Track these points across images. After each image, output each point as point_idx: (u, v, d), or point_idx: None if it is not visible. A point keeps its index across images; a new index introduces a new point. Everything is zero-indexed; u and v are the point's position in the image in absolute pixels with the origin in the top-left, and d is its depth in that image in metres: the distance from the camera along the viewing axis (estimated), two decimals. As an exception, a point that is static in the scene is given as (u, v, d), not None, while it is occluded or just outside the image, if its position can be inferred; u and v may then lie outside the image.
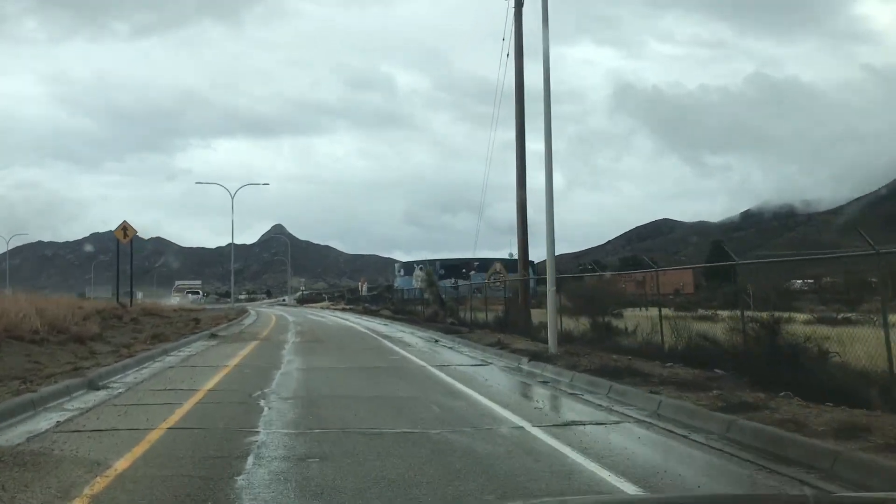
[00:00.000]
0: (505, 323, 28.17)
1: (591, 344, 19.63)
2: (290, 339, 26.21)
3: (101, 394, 12.18)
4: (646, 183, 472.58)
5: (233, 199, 69.15)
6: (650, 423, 9.74)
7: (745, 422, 8.64)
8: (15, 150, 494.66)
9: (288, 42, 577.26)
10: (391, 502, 6.20)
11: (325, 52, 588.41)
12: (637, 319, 24.29)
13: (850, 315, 14.56)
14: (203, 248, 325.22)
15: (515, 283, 31.13)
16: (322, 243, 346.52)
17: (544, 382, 14.19)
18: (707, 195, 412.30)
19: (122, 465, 7.24)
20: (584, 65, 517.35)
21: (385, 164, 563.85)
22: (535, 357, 16.79)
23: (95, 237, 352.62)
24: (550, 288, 17.73)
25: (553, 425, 9.56)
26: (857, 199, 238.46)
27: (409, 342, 25.30)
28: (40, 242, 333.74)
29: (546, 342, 21.90)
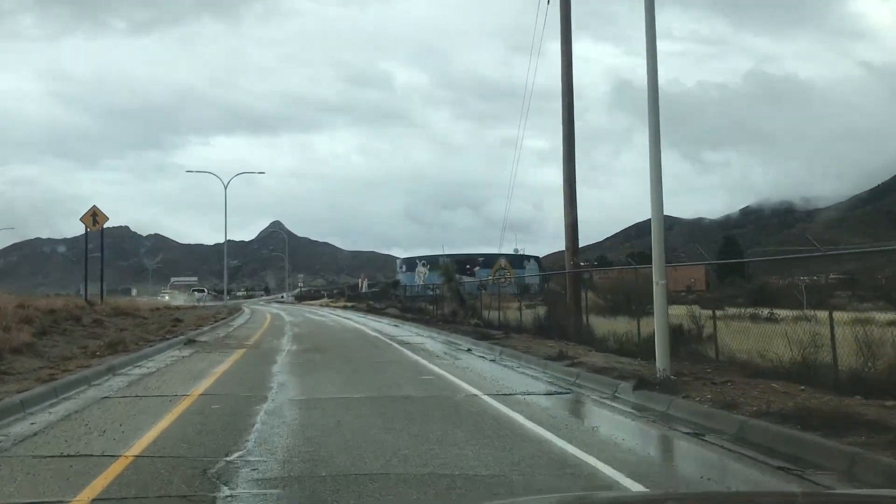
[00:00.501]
0: (548, 326, 22.62)
1: (690, 360, 14.14)
2: (284, 347, 20.61)
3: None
4: (644, 180, 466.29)
5: (226, 188, 63.68)
6: None
7: None
8: (12, 147, 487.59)
9: (287, 39, 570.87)
10: None
11: (323, 49, 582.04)
12: (683, 320, 19.31)
13: None
14: (201, 245, 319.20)
15: (547, 280, 25.65)
16: (321, 240, 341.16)
17: (697, 436, 8.47)
18: (706, 192, 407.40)
19: None
20: (582, 61, 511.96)
21: (384, 161, 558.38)
22: (642, 383, 11.16)
23: (93, 234, 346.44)
24: (659, 281, 12.13)
25: None
26: (857, 196, 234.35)
27: (435, 351, 19.71)
28: (38, 239, 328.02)
29: (617, 353, 16.42)
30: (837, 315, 11.33)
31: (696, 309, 20.91)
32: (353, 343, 22.51)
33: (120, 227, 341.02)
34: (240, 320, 38.60)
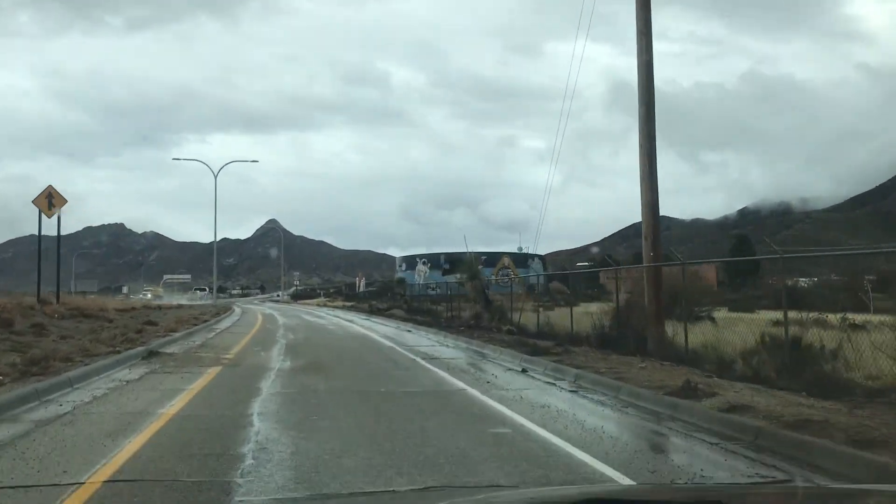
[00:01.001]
0: (615, 337, 17.20)
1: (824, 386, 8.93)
2: (273, 364, 15.10)
3: None
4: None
5: (216, 178, 58.23)
6: None
7: None
8: (8, 144, 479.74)
9: (283, 37, 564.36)
10: None
11: (321, 48, 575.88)
12: (745, 325, 15.40)
13: None
14: (197, 243, 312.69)
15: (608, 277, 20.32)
16: (316, 238, 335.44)
17: None
18: (703, 192, 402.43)
19: None
20: (580, 61, 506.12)
21: (381, 160, 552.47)
22: None
23: (89, 231, 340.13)
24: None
25: None
26: (855, 197, 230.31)
27: (479, 372, 14.26)
28: (33, 236, 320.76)
29: (751, 380, 11.04)
30: None
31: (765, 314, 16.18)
32: (365, 358, 16.98)
33: (116, 225, 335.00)
34: (226, 322, 33.04)
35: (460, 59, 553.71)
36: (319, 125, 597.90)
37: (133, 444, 7.31)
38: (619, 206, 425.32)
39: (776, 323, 14.22)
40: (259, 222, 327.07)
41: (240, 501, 5.49)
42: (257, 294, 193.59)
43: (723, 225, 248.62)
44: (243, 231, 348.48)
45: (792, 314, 12.27)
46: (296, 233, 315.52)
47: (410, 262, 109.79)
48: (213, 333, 24.58)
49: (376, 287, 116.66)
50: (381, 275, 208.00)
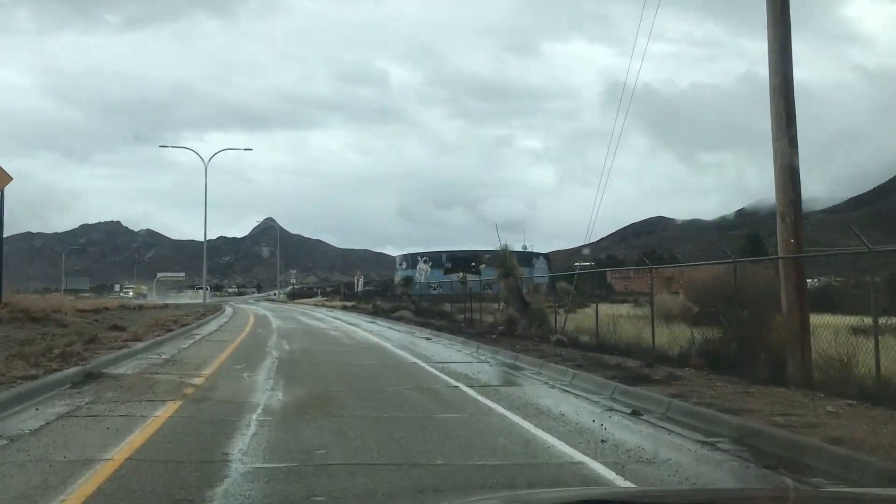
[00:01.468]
0: (737, 358, 12.28)
1: None
2: (257, 399, 10.03)
3: None
4: (639, 180, 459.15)
5: (206, 167, 53.22)
6: None
7: None
8: (4, 140, 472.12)
9: (281, 36, 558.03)
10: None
11: (318, 47, 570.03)
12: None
13: None
14: (193, 241, 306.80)
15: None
16: (313, 237, 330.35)
17: None
18: (701, 193, 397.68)
19: None
20: (576, 61, 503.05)
21: (378, 159, 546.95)
22: None
23: (85, 228, 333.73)
24: None
25: None
26: (853, 199, 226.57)
27: (568, 415, 9.27)
28: (29, 233, 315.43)
29: None
30: None
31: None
32: (388, 384, 11.88)
33: (112, 222, 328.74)
34: (211, 326, 27.96)
35: (457, 59, 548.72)
36: (317, 124, 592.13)
37: None
38: (617, 207, 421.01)
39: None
40: (256, 221, 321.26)
41: None
42: (253, 293, 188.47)
43: (720, 225, 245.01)
44: (240, 229, 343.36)
45: None
46: (293, 231, 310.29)
47: (411, 260, 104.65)
48: (190, 342, 19.52)
49: (374, 286, 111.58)
50: (378, 274, 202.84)
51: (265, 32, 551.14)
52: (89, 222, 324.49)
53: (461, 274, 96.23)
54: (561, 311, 21.25)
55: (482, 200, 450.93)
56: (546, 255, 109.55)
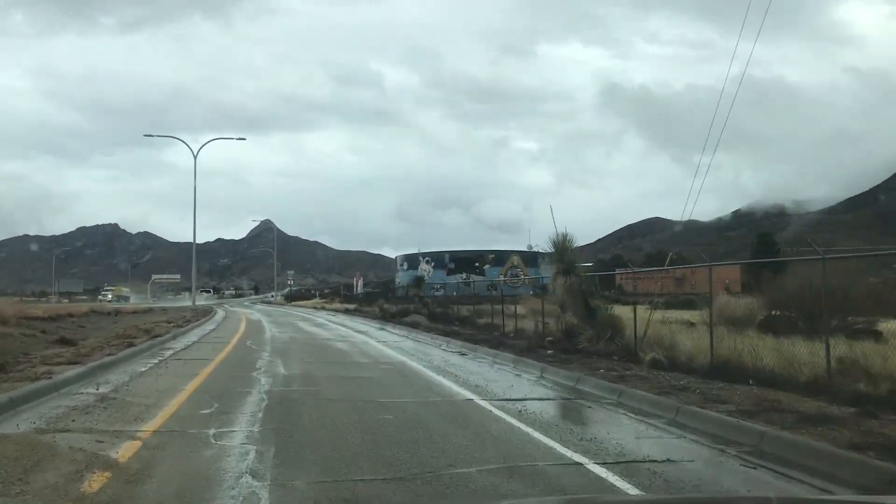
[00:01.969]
0: None
1: None
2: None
3: None
4: (635, 181, 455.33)
5: (195, 158, 48.04)
6: None
7: None
8: (0, 143, 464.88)
9: (277, 38, 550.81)
10: None
11: (314, 49, 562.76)
12: None
13: None
14: (191, 244, 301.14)
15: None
16: (311, 239, 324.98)
17: None
18: (697, 194, 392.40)
19: None
20: (571, 64, 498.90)
21: (375, 161, 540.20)
22: None
23: (83, 231, 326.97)
24: None
25: None
26: (849, 199, 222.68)
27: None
28: (26, 236, 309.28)
29: None
30: None
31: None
32: (457, 461, 6.66)
33: (109, 225, 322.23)
34: (190, 337, 22.65)
35: (454, 61, 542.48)
36: (313, 126, 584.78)
37: None
38: (613, 208, 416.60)
39: None
40: (253, 221, 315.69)
41: None
42: (250, 295, 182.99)
43: (717, 227, 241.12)
44: (237, 231, 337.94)
45: None
46: (290, 233, 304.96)
47: (412, 260, 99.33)
48: (152, 364, 14.23)
49: (371, 287, 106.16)
50: (375, 275, 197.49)
51: (261, 35, 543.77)
52: (86, 225, 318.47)
53: (464, 274, 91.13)
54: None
55: (479, 202, 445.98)
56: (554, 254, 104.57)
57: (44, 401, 9.29)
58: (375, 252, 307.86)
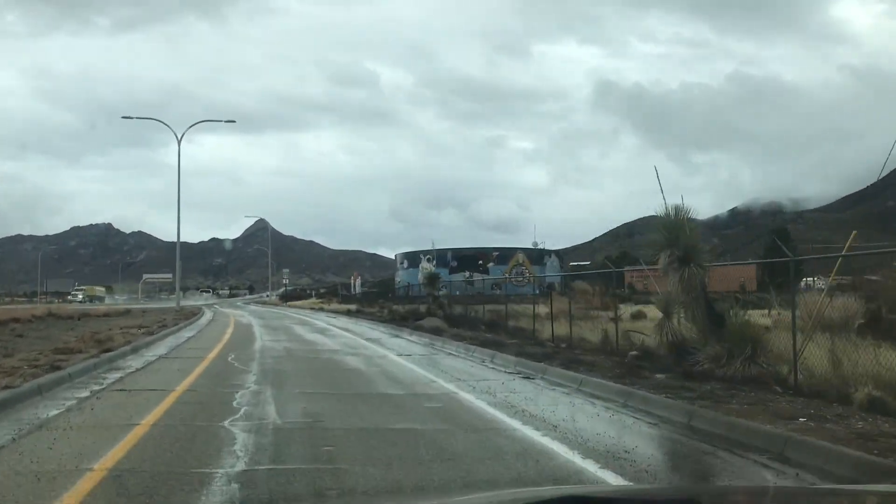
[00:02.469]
0: None
1: None
2: None
3: None
4: (630, 180, 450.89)
5: (179, 142, 42.92)
6: None
7: None
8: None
9: (272, 38, 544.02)
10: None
11: (309, 48, 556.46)
12: None
13: None
14: (186, 243, 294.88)
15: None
16: (306, 238, 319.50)
17: None
18: (693, 193, 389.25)
19: None
20: (567, 62, 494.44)
21: (370, 160, 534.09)
22: None
23: (77, 231, 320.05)
24: None
25: None
26: (846, 198, 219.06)
27: None
28: (20, 236, 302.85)
29: None
30: None
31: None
32: None
33: (103, 225, 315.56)
34: (154, 351, 17.37)
35: (448, 60, 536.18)
36: (308, 125, 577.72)
37: None
38: (609, 207, 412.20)
39: None
40: (248, 222, 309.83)
41: None
42: (245, 294, 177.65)
43: (713, 225, 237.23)
44: (232, 231, 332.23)
45: None
46: (286, 233, 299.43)
47: (412, 258, 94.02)
48: (63, 407, 9.03)
49: (369, 287, 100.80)
50: (372, 275, 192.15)
51: (255, 35, 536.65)
52: (80, 225, 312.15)
53: (467, 273, 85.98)
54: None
55: (474, 201, 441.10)
56: (558, 253, 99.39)
57: None
58: (371, 251, 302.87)
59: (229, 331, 24.93)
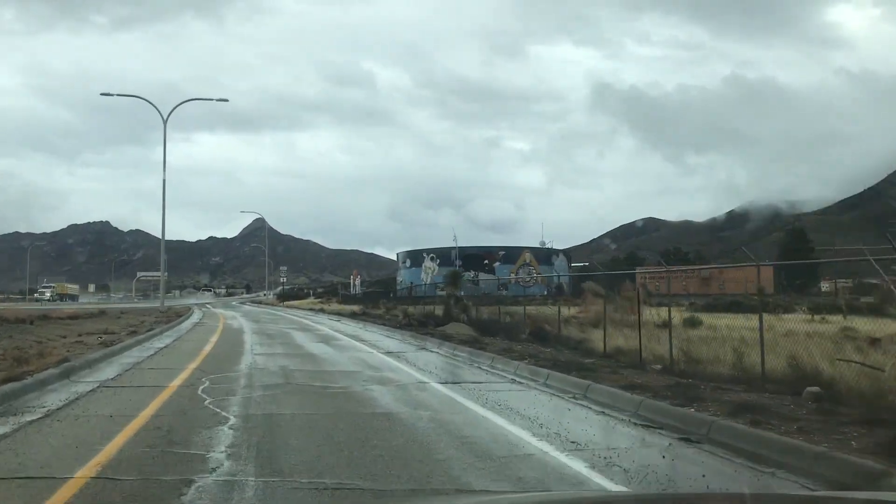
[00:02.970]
0: None
1: None
2: None
3: None
4: (628, 181, 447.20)
5: (165, 122, 37.95)
6: None
7: None
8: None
9: (269, 38, 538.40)
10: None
11: (306, 48, 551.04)
12: None
13: None
14: (183, 242, 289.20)
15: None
16: (303, 238, 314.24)
17: None
18: (690, 194, 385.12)
19: None
20: (564, 64, 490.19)
21: (367, 160, 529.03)
22: None
23: (74, 229, 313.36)
24: None
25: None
26: (843, 201, 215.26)
27: None
28: (17, 233, 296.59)
29: None
30: None
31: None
32: None
33: (100, 223, 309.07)
34: (99, 375, 12.43)
35: (445, 61, 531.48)
36: (306, 125, 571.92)
37: None
38: (607, 207, 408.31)
39: None
40: (246, 221, 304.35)
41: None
42: (242, 293, 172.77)
43: (711, 227, 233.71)
44: (230, 230, 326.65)
45: None
46: (283, 232, 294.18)
47: (415, 257, 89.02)
48: None
49: (367, 286, 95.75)
50: (369, 274, 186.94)
51: (252, 34, 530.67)
52: (78, 223, 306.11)
53: (471, 273, 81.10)
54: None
55: (471, 201, 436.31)
56: (566, 252, 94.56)
57: None
58: (369, 251, 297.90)
59: (213, 339, 19.98)
